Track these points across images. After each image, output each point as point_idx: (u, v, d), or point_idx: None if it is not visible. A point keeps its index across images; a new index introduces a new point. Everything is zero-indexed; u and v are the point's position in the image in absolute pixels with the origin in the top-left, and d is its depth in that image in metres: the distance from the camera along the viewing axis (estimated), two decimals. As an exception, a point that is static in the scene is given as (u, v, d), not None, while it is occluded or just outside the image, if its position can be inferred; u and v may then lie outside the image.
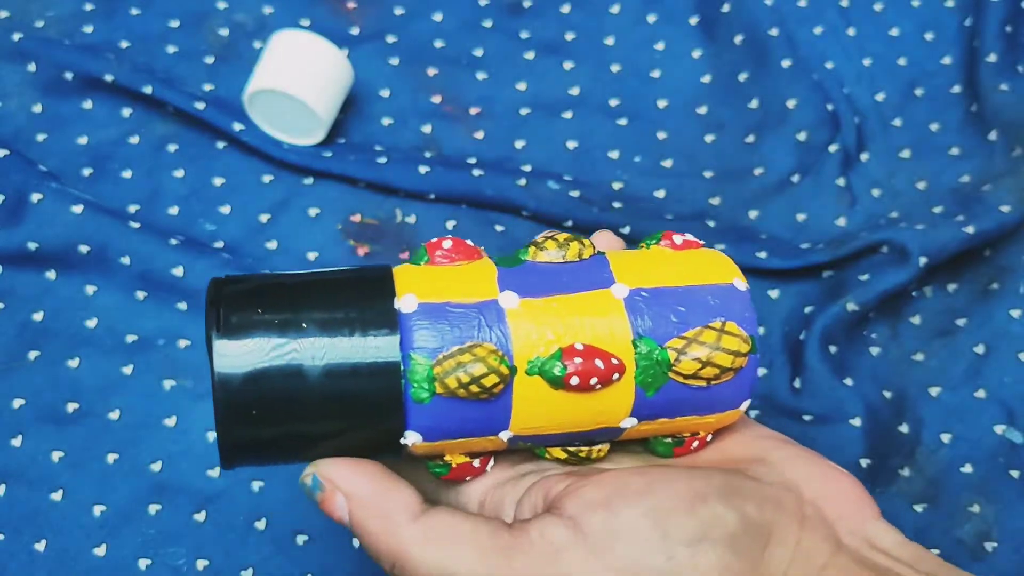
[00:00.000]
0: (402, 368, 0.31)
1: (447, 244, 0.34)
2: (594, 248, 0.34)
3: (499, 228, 0.52)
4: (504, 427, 0.32)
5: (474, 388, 0.30)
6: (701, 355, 0.32)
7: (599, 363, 0.31)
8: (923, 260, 0.49)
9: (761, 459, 0.34)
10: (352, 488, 0.32)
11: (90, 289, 0.49)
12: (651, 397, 0.32)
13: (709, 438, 0.35)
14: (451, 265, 0.33)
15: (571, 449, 0.34)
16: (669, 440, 0.34)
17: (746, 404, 0.34)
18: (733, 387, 0.33)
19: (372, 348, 0.31)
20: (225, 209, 0.51)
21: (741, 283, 0.33)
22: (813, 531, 0.32)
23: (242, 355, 0.30)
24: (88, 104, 0.53)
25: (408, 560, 0.31)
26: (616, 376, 0.31)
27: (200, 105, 0.52)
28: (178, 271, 0.49)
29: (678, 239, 0.35)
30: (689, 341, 0.32)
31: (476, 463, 0.34)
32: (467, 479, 0.34)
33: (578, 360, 0.31)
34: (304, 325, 0.31)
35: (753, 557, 0.30)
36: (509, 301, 0.32)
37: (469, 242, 0.34)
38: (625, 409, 0.32)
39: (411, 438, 0.32)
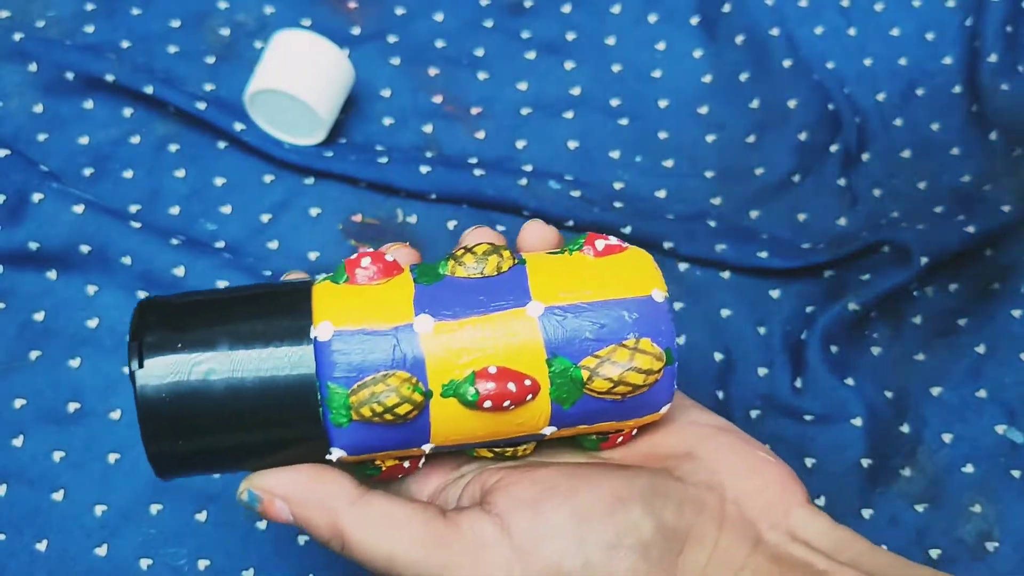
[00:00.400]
0: (319, 396, 0.31)
1: (365, 262, 0.34)
2: (514, 259, 0.34)
3: (500, 228, 0.52)
4: (425, 441, 0.33)
5: (388, 416, 0.31)
6: (613, 374, 0.32)
7: (511, 386, 0.32)
8: (924, 260, 0.49)
9: (689, 453, 0.35)
10: (287, 491, 0.33)
11: (91, 289, 0.49)
12: (567, 410, 0.33)
13: (635, 432, 0.36)
14: (369, 284, 0.33)
15: (496, 450, 0.35)
16: (594, 436, 0.35)
17: (667, 407, 0.34)
18: (651, 396, 0.34)
19: (288, 368, 0.31)
20: (226, 209, 0.51)
21: (659, 294, 0.33)
22: (732, 531, 0.33)
23: (161, 372, 0.31)
24: (89, 104, 0.53)
25: (352, 543, 0.32)
26: (530, 397, 0.32)
27: (201, 105, 0.52)
28: (179, 271, 0.49)
29: (600, 244, 0.35)
30: (602, 360, 0.32)
31: (407, 464, 0.35)
32: (399, 477, 0.35)
33: (491, 385, 0.32)
34: (221, 342, 0.31)
35: (667, 562, 0.31)
36: (424, 325, 0.32)
37: (388, 256, 0.34)
38: (543, 420, 0.33)
39: (336, 454, 0.33)
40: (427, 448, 0.33)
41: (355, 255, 0.34)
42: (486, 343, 0.32)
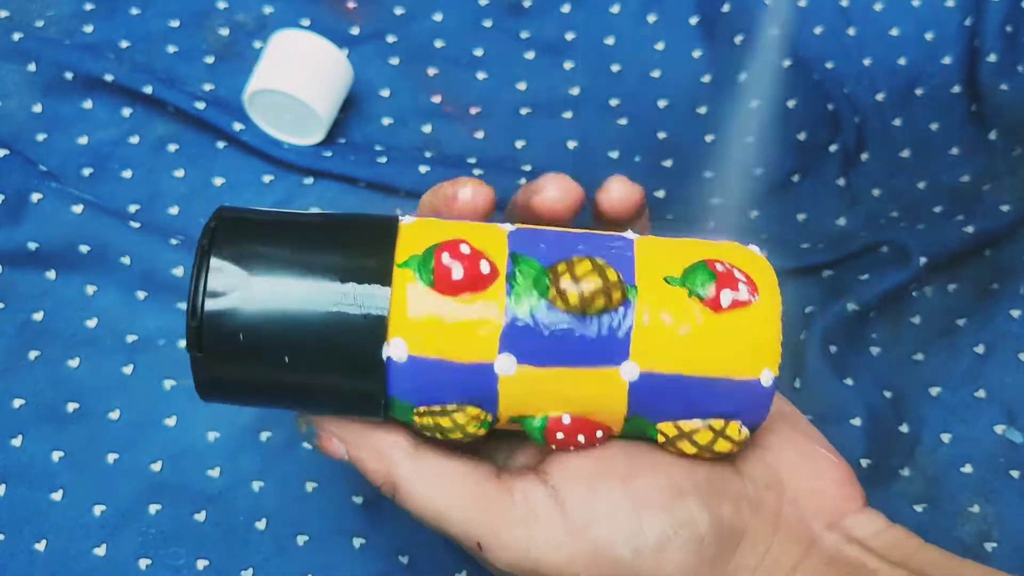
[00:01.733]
0: (384, 400, 0.31)
1: (457, 273, 0.30)
2: (623, 296, 0.30)
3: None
4: (493, 409, 0.32)
5: (449, 437, 0.31)
6: (688, 451, 0.32)
7: (581, 438, 0.31)
8: (923, 260, 0.49)
9: (754, 445, 0.34)
10: (344, 432, 0.33)
11: (90, 289, 0.49)
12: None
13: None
14: (455, 297, 0.30)
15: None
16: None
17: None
18: None
19: (360, 327, 0.30)
20: (225, 209, 0.51)
21: (768, 376, 0.31)
22: (787, 535, 0.32)
23: (225, 287, 0.29)
24: (88, 104, 0.53)
25: (404, 492, 0.32)
26: (599, 440, 0.32)
27: (200, 105, 0.52)
28: (178, 271, 0.49)
29: (727, 298, 0.30)
30: (681, 435, 0.31)
31: None
32: None
33: (560, 435, 0.31)
34: (294, 270, 0.30)
35: (719, 561, 0.31)
36: (505, 366, 0.30)
37: (484, 265, 0.30)
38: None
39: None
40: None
41: (448, 252, 0.30)
42: (568, 394, 0.31)
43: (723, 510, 0.31)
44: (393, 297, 0.30)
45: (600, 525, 0.31)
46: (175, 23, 0.55)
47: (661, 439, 0.31)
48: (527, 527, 0.31)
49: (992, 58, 0.55)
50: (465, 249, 0.30)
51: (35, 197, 0.49)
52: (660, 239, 0.33)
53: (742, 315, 0.30)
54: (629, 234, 0.33)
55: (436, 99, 0.55)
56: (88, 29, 0.55)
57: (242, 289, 0.30)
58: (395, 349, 0.30)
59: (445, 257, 0.30)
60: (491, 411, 0.31)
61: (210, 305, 0.29)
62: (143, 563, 0.44)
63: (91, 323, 0.48)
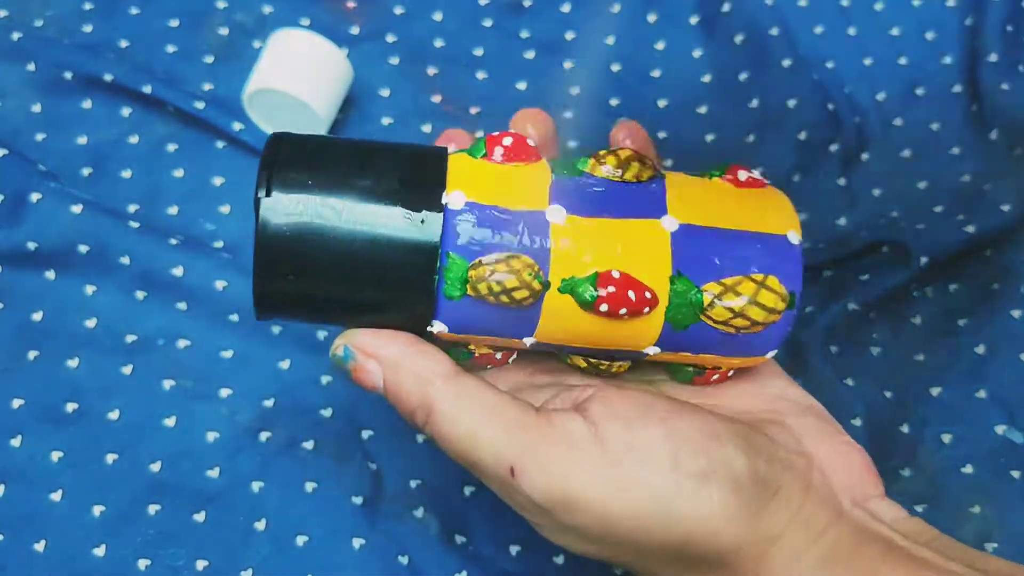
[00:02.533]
0: (439, 264, 0.31)
1: (507, 141, 0.33)
2: (655, 171, 0.34)
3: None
4: (529, 334, 0.33)
5: (504, 298, 0.31)
6: (735, 305, 0.32)
7: (631, 295, 0.31)
8: (924, 260, 0.49)
9: (779, 422, 0.34)
10: (384, 352, 0.32)
11: (89, 289, 0.49)
12: (678, 333, 0.32)
13: (731, 374, 0.35)
14: (507, 164, 0.33)
15: (592, 361, 0.34)
16: (691, 368, 0.35)
17: (772, 354, 0.34)
18: (762, 337, 0.33)
19: (414, 229, 0.31)
20: (225, 209, 0.51)
21: (795, 236, 0.33)
22: (816, 498, 0.32)
23: (286, 209, 0.31)
24: (87, 104, 0.53)
25: (439, 414, 0.32)
26: (646, 310, 0.32)
27: (200, 104, 0.52)
28: (178, 271, 0.49)
29: (743, 175, 0.34)
30: (727, 288, 0.32)
31: (498, 355, 0.34)
32: (488, 367, 0.35)
33: (611, 288, 0.31)
34: (351, 191, 0.31)
35: (755, 507, 0.31)
36: (556, 215, 0.32)
37: (530, 141, 0.34)
38: (650, 339, 0.33)
39: (437, 327, 0.32)
40: (528, 342, 0.33)
41: (497, 132, 0.34)
42: (614, 246, 0.32)
43: (759, 461, 0.31)
44: (450, 164, 0.32)
45: (639, 458, 0.30)
46: (174, 22, 0.55)
47: (707, 299, 0.32)
48: (565, 453, 0.31)
49: (993, 58, 0.55)
50: (508, 141, 0.33)
51: (34, 197, 0.49)
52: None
53: (760, 192, 0.34)
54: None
55: (436, 99, 0.55)
56: (87, 29, 0.55)
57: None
58: (453, 198, 0.32)
59: (494, 139, 0.33)
60: (543, 266, 0.31)
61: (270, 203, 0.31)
62: (142, 563, 0.44)
63: (90, 323, 0.48)
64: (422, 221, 0.31)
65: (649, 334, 0.33)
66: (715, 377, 0.35)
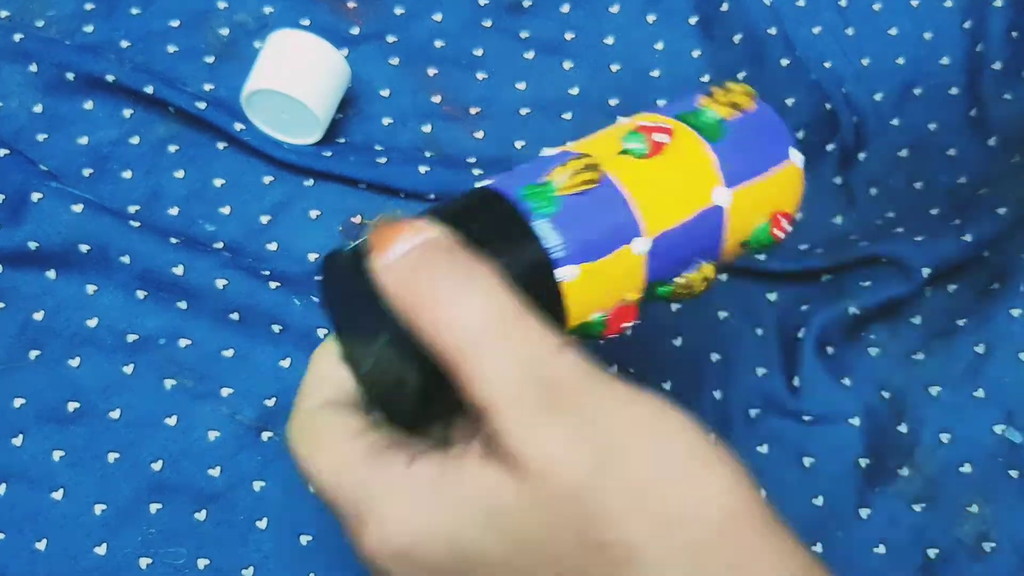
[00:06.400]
0: (520, 200, 0.32)
1: None
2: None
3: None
4: (635, 231, 0.33)
5: (587, 175, 0.33)
6: (724, 99, 0.36)
7: (662, 126, 0.35)
8: (926, 271, 0.49)
9: None
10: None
11: (91, 288, 0.49)
12: (717, 143, 0.35)
13: (786, 226, 0.37)
14: None
15: (680, 285, 0.35)
16: (764, 223, 0.36)
17: (796, 153, 0.37)
18: (766, 127, 0.36)
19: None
20: (225, 210, 0.51)
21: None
22: None
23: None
24: (89, 104, 0.53)
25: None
26: (670, 136, 0.35)
27: (201, 105, 0.52)
28: (178, 270, 0.49)
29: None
30: (710, 99, 0.36)
31: (629, 303, 0.34)
32: (626, 329, 0.35)
33: (648, 124, 0.35)
34: None
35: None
36: (552, 150, 0.36)
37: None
38: (707, 166, 0.35)
39: (562, 271, 0.32)
40: (641, 245, 0.33)
41: None
42: (623, 127, 0.36)
43: None
44: None
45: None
46: (175, 23, 0.55)
47: (704, 104, 0.36)
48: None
49: (997, 66, 0.55)
50: None
51: (35, 197, 0.49)
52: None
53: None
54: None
55: (436, 99, 0.55)
56: (88, 29, 0.55)
57: None
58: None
59: None
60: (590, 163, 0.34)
61: None
62: (143, 562, 0.44)
63: (91, 323, 0.48)
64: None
65: (702, 162, 0.35)
66: (782, 219, 0.37)
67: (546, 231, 0.32)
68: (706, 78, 0.56)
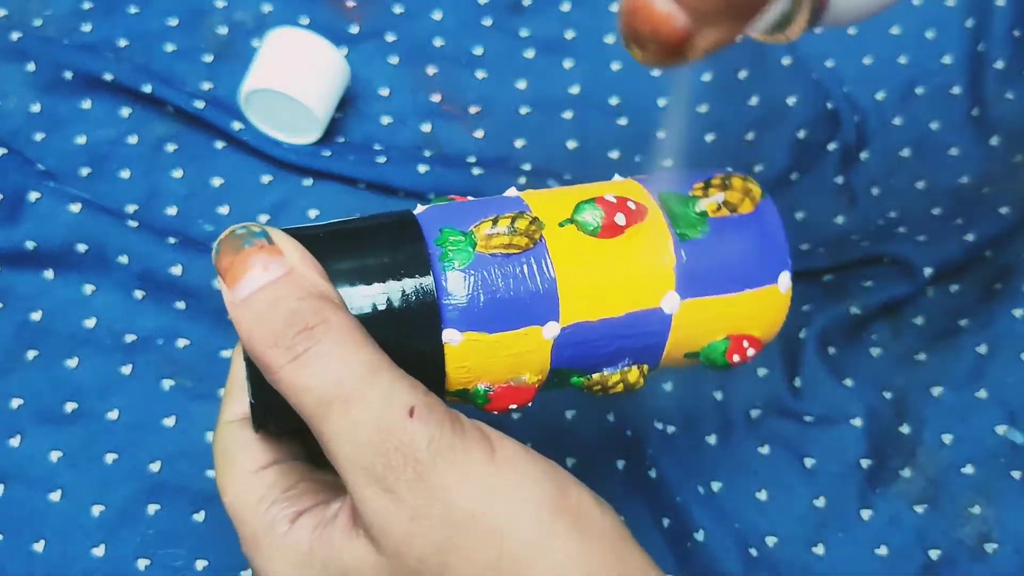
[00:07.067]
0: (433, 242, 0.30)
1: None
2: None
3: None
4: (552, 314, 0.30)
5: (517, 240, 0.30)
6: (717, 199, 0.32)
7: (630, 204, 0.31)
8: (928, 271, 0.49)
9: None
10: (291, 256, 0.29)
11: (88, 288, 0.49)
12: (688, 255, 0.31)
13: (751, 353, 0.33)
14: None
15: (603, 376, 0.33)
16: (721, 341, 0.33)
17: (786, 278, 0.33)
18: (760, 239, 0.32)
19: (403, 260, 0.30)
20: (224, 209, 0.51)
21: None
22: None
23: None
24: (87, 104, 0.53)
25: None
26: (644, 214, 0.31)
27: (199, 104, 0.51)
28: (176, 270, 0.48)
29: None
30: (705, 186, 0.33)
31: (522, 381, 0.32)
32: (511, 410, 0.32)
33: (610, 198, 0.31)
34: (335, 277, 0.29)
35: None
36: (514, 192, 0.32)
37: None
38: (663, 265, 0.31)
39: (448, 335, 0.30)
40: (551, 331, 0.30)
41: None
42: (587, 190, 0.32)
43: None
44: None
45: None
46: (174, 22, 0.55)
47: (695, 196, 0.32)
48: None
49: (999, 65, 0.54)
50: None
51: (33, 196, 0.49)
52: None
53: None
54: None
55: (435, 98, 0.55)
56: (86, 28, 0.55)
57: None
58: (418, 209, 0.32)
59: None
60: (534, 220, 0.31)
61: None
62: (142, 563, 0.44)
63: (89, 323, 0.48)
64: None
65: (661, 257, 0.31)
66: (748, 349, 0.33)
67: (451, 282, 0.30)
68: (707, 77, 0.56)
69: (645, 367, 0.33)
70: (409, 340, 0.29)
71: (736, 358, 0.33)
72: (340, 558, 0.28)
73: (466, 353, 0.30)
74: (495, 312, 0.30)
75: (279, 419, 0.30)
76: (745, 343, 0.33)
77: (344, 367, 0.27)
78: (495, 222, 0.30)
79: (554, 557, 0.27)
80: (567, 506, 0.28)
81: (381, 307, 0.29)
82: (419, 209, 0.32)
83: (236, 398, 0.32)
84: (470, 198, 0.33)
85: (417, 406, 0.27)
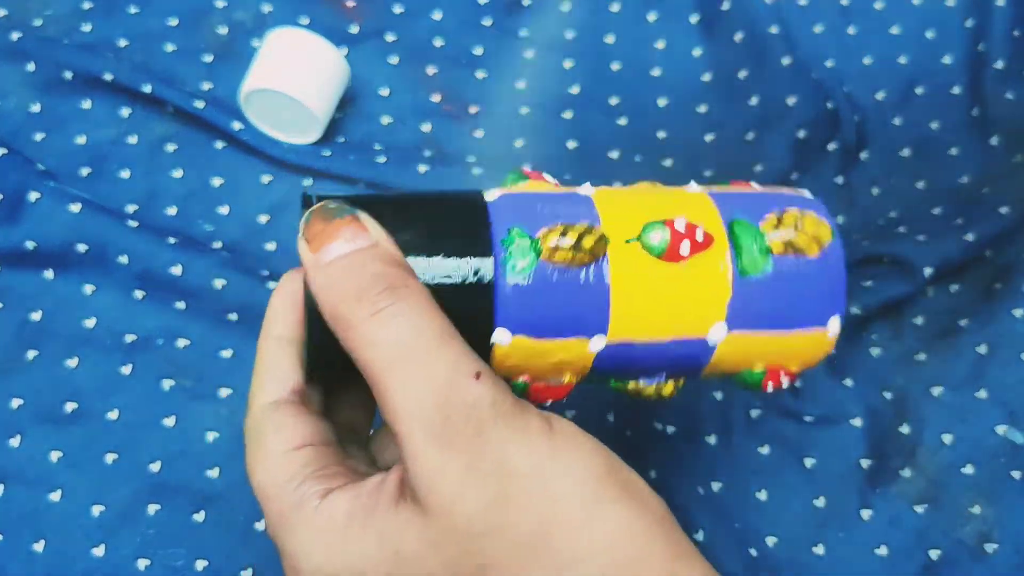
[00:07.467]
0: (500, 242, 0.30)
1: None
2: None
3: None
4: (601, 328, 0.31)
5: (580, 255, 0.30)
6: (786, 236, 0.31)
7: (699, 233, 0.31)
8: (928, 271, 0.49)
9: None
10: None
11: (88, 288, 0.49)
12: (749, 278, 0.31)
13: (785, 384, 0.34)
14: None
15: (639, 386, 0.33)
16: (760, 370, 0.33)
17: (836, 323, 0.32)
18: (820, 282, 0.32)
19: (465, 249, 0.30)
20: (224, 210, 0.51)
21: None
22: None
23: None
24: (87, 103, 0.53)
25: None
26: (711, 245, 0.31)
27: (199, 104, 0.51)
28: (176, 270, 0.48)
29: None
30: (778, 219, 0.31)
31: (561, 381, 0.33)
32: (547, 403, 0.33)
33: (678, 226, 0.31)
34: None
35: None
36: (588, 189, 0.32)
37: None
38: (719, 298, 0.31)
39: (498, 335, 0.30)
40: (598, 344, 0.31)
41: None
42: (660, 204, 0.32)
43: None
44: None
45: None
46: (174, 21, 0.55)
47: (765, 227, 0.32)
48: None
49: (999, 64, 0.54)
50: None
51: (33, 196, 0.49)
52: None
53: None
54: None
55: (435, 98, 0.55)
56: (86, 28, 0.55)
57: None
58: (491, 195, 0.32)
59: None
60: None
61: None
62: (142, 563, 0.44)
63: (89, 323, 0.48)
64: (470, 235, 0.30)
65: (719, 294, 0.31)
66: (783, 376, 0.33)
67: (511, 286, 0.30)
68: (707, 77, 0.56)
69: (681, 381, 0.34)
70: (461, 333, 0.29)
71: (771, 386, 0.33)
72: (384, 527, 0.28)
73: (512, 353, 0.31)
74: (547, 321, 0.30)
75: (331, 376, 0.31)
76: (782, 374, 0.33)
77: (422, 326, 0.28)
78: (564, 233, 0.30)
79: (605, 526, 0.27)
80: (620, 480, 0.28)
81: (439, 298, 0.29)
82: (492, 195, 0.32)
83: (267, 382, 0.32)
84: (545, 178, 0.34)
85: (484, 372, 0.28)
